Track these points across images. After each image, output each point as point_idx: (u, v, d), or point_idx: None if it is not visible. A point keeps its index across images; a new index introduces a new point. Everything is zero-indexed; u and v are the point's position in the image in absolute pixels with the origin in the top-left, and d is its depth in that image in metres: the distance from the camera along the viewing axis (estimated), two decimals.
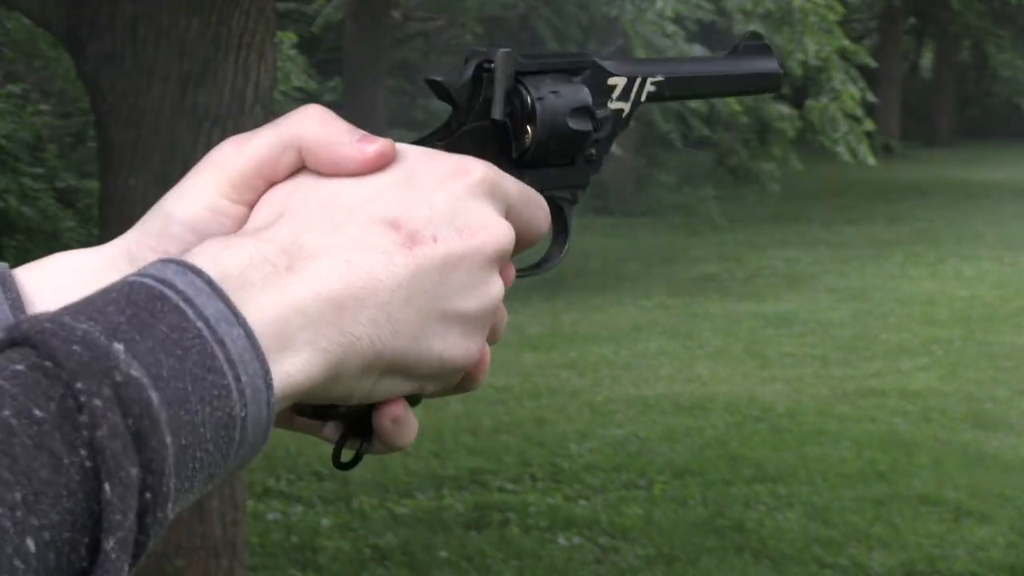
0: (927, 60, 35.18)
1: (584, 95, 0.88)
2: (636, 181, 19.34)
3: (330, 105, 0.81)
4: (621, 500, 6.25)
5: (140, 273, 0.67)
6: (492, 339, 0.80)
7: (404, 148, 0.79)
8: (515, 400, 8.01)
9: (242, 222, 0.77)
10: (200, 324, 0.65)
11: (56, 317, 0.62)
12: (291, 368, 0.68)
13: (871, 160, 13.72)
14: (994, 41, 28.49)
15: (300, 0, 19.40)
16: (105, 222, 4.61)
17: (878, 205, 19.32)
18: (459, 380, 0.79)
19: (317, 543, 5.70)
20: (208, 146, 4.41)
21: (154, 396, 0.61)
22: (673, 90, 0.95)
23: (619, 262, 13.99)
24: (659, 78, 0.94)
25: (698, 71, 1.00)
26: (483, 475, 6.60)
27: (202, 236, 0.76)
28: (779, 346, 9.88)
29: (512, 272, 0.81)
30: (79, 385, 0.60)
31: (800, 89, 15.12)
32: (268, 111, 4.67)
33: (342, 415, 0.78)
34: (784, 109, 14.61)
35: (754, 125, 15.70)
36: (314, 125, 0.78)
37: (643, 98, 0.94)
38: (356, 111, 15.50)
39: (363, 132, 0.78)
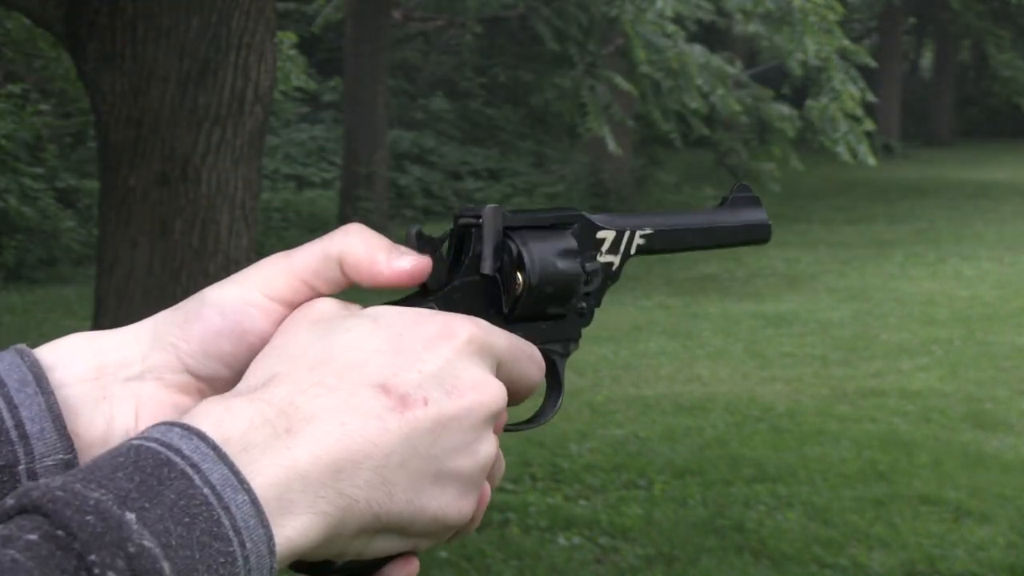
0: (927, 60, 35.18)
1: (571, 242, 0.89)
2: (636, 181, 19.34)
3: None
4: (621, 500, 6.25)
5: (145, 437, 0.68)
6: (491, 484, 0.81)
7: (391, 312, 0.80)
8: None
9: (270, 318, 0.80)
10: (206, 491, 0.66)
11: (67, 484, 0.63)
12: (292, 532, 0.69)
13: (871, 160, 13.72)
14: (994, 41, 28.49)
15: (300, 0, 19.41)
16: (105, 222, 4.61)
17: (878, 205, 19.32)
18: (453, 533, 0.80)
19: None
20: (208, 146, 4.42)
21: (166, 566, 0.62)
22: (663, 243, 0.96)
23: None
24: (648, 231, 0.95)
25: (687, 224, 0.99)
26: None
27: (227, 320, 0.79)
28: (779, 346, 9.88)
29: (499, 432, 0.82)
30: (93, 557, 0.60)
31: (800, 89, 15.12)
32: (268, 111, 4.67)
33: (337, 571, 0.78)
34: (784, 109, 14.61)
35: (754, 125, 15.70)
36: (355, 241, 0.81)
37: (632, 251, 0.94)
38: (356, 111, 15.51)
39: (402, 248, 0.82)
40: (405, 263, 0.81)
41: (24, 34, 12.26)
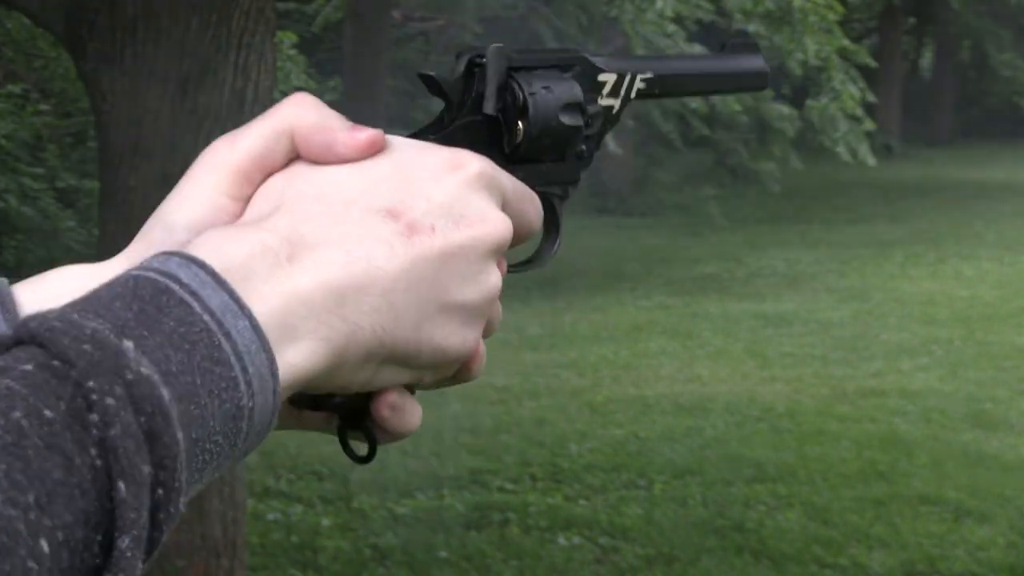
0: (927, 60, 35.18)
1: (576, 91, 0.89)
2: (636, 181, 19.34)
3: (330, 105, 0.82)
4: (621, 500, 6.25)
5: (143, 267, 0.67)
6: (487, 333, 0.80)
7: (399, 140, 0.79)
8: (515, 400, 8.01)
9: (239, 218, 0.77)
10: (206, 317, 0.65)
11: (64, 315, 0.62)
12: (295, 358, 0.69)
13: (871, 160, 13.72)
14: (994, 41, 28.48)
15: (300, 0, 19.40)
16: (105, 222, 4.62)
17: (878, 205, 19.32)
18: (455, 371, 0.79)
19: (317, 543, 5.70)
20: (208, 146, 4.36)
21: (165, 392, 0.61)
22: (663, 87, 0.96)
23: (619, 262, 13.99)
24: (649, 75, 0.95)
25: (687, 68, 1.00)
26: (483, 475, 6.60)
27: None
28: (779, 346, 9.88)
29: (504, 267, 0.81)
30: (91, 384, 0.59)
31: (800, 89, 15.11)
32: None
33: (338, 405, 0.78)
34: (784, 109, 14.61)
35: (754, 125, 15.70)
36: (305, 112, 0.78)
37: (633, 94, 0.94)
38: (356, 111, 15.50)
39: (353, 126, 0.79)
40: (361, 132, 0.78)
41: (24, 34, 12.26)
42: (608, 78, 0.92)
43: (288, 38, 14.82)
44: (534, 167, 0.88)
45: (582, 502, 6.25)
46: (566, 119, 0.88)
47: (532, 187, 0.85)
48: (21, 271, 13.04)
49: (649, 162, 19.74)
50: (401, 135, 0.83)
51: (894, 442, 7.21)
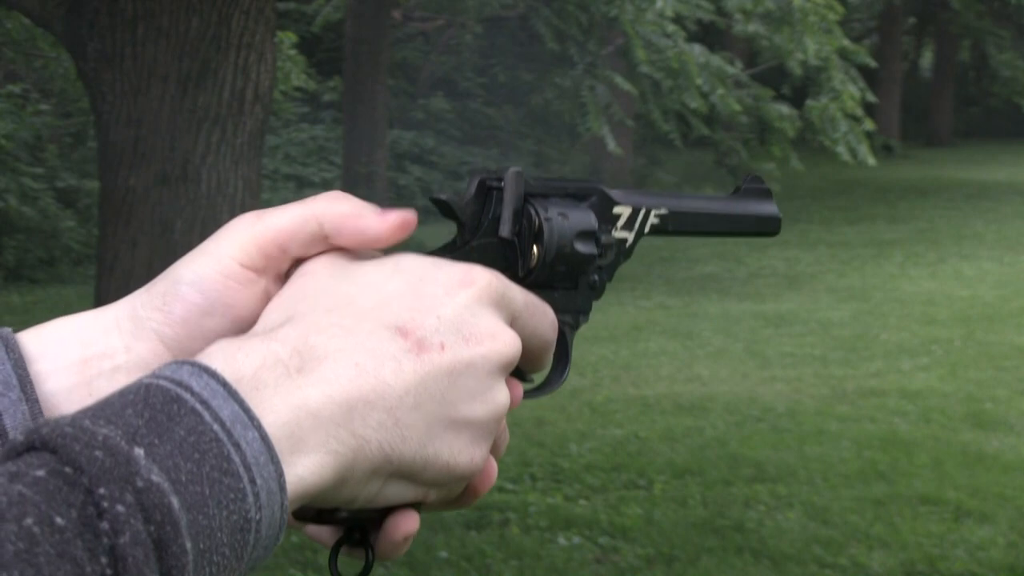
0: (927, 60, 35.17)
1: (591, 220, 0.90)
2: (636, 181, 19.34)
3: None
4: (621, 500, 6.25)
5: (155, 375, 0.68)
6: (494, 453, 0.81)
7: (411, 257, 0.80)
8: None
9: (251, 288, 0.79)
10: (216, 427, 0.65)
11: (76, 421, 0.62)
12: (303, 470, 0.69)
13: (871, 160, 13.72)
14: (994, 41, 28.48)
15: (300, 0, 19.40)
16: (105, 222, 4.61)
17: (878, 205, 19.32)
18: (461, 491, 0.79)
19: (317, 543, 5.70)
20: (208, 146, 4.42)
21: (174, 501, 0.62)
22: (676, 224, 0.96)
23: None
24: (663, 211, 0.95)
25: (702, 208, 1.00)
26: None
27: (208, 297, 0.78)
28: (779, 346, 9.88)
29: (520, 392, 0.82)
30: (101, 491, 0.60)
31: (800, 89, 15.11)
32: (268, 111, 4.67)
33: (343, 520, 0.78)
34: (784, 109, 14.61)
35: (754, 125, 15.70)
36: (337, 203, 0.80)
37: (647, 229, 0.95)
38: (356, 111, 15.50)
39: (385, 210, 0.80)
40: (393, 215, 0.79)
41: (24, 34, 12.26)
42: (623, 211, 0.93)
43: (288, 38, 14.82)
44: (547, 293, 0.88)
45: (582, 502, 6.25)
46: (581, 247, 0.88)
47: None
48: (21, 271, 13.04)
49: (649, 162, 19.74)
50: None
51: (894, 442, 7.21)
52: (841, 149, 13.65)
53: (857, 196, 20.18)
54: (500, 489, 6.43)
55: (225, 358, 0.70)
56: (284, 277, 0.81)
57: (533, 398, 0.90)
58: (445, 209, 0.86)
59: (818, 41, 13.35)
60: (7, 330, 0.78)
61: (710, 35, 20.14)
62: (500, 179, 0.87)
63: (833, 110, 13.62)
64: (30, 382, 0.76)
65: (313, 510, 0.76)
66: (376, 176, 15.52)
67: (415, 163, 18.77)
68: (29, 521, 0.57)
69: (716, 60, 13.87)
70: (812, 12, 13.33)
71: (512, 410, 0.82)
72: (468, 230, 0.87)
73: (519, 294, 0.81)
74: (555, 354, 0.89)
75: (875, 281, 13.03)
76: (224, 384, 0.67)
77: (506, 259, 0.87)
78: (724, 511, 6.08)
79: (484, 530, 5.86)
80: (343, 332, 0.73)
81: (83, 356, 0.79)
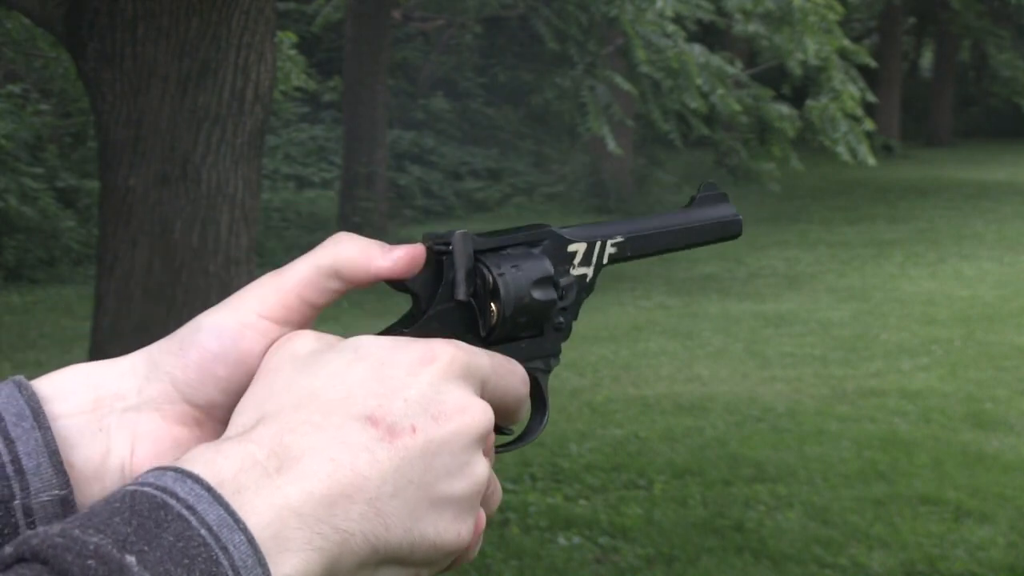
0: (927, 60, 35.18)
1: (545, 265, 0.89)
2: (636, 181, 19.34)
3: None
4: (621, 500, 6.25)
5: (139, 483, 0.68)
6: (488, 510, 0.81)
7: (370, 341, 0.80)
8: None
9: (268, 338, 0.80)
10: (204, 531, 0.66)
11: (65, 531, 0.63)
12: (290, 569, 0.69)
13: (871, 160, 13.72)
14: (994, 41, 28.49)
15: (300, 0, 19.41)
16: (105, 222, 4.61)
17: (878, 205, 19.33)
18: (453, 559, 0.80)
19: None
20: (208, 146, 4.41)
21: None
22: (634, 248, 0.96)
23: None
24: (619, 239, 0.95)
25: (657, 227, 0.99)
26: None
27: (224, 345, 0.79)
28: (779, 346, 9.88)
29: (490, 454, 0.81)
30: None
31: (800, 89, 15.11)
32: (268, 111, 4.67)
33: None
34: (784, 109, 14.61)
35: (754, 125, 15.70)
36: (345, 247, 0.82)
37: (605, 260, 0.94)
38: (356, 111, 15.50)
39: (391, 246, 0.82)
40: (401, 251, 0.82)
41: (24, 34, 12.26)
42: (578, 247, 0.93)
43: (288, 38, 14.81)
44: (513, 346, 0.88)
45: (582, 502, 6.25)
46: (539, 295, 0.88)
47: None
48: (21, 271, 13.05)
49: (649, 162, 19.74)
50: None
51: (894, 442, 7.21)
52: (841, 149, 13.65)
53: (857, 196, 20.19)
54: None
55: (205, 463, 0.70)
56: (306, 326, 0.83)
57: (514, 449, 0.89)
58: (396, 284, 0.85)
59: (818, 41, 13.35)
60: (19, 377, 0.79)
61: (710, 35, 20.14)
62: (448, 243, 0.86)
63: (833, 110, 13.63)
64: (43, 413, 0.77)
65: None
66: (376, 176, 15.52)
67: (415, 163, 18.77)
68: None
69: (716, 60, 13.88)
70: (812, 12, 13.33)
71: None
72: (424, 299, 0.86)
73: (485, 359, 0.81)
74: (532, 402, 0.89)
75: (875, 281, 13.03)
76: (208, 488, 0.68)
77: (466, 321, 0.86)
78: (724, 511, 6.08)
79: (484, 530, 5.86)
80: (313, 428, 0.73)
81: (96, 397, 0.80)
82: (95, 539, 0.62)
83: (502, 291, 0.86)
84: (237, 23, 4.34)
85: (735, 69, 14.45)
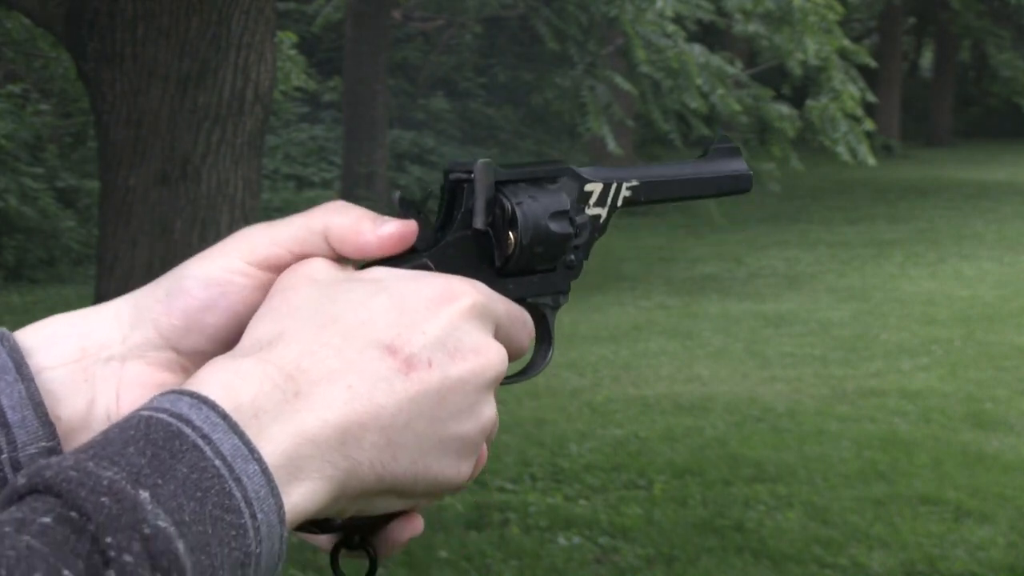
0: (927, 60, 35.17)
1: (563, 200, 0.90)
2: None
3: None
4: (621, 500, 6.25)
5: (155, 408, 0.68)
6: (479, 459, 0.82)
7: (392, 272, 0.80)
8: (515, 400, 8.01)
9: (254, 285, 0.80)
10: (218, 462, 0.66)
11: (79, 463, 0.62)
12: (299, 498, 0.70)
13: (871, 160, 13.72)
14: (994, 41, 28.48)
15: (300, 0, 19.40)
16: (105, 222, 4.61)
17: (878, 205, 19.33)
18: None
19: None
20: (208, 146, 4.42)
21: (180, 546, 0.62)
22: (648, 194, 0.97)
23: (619, 262, 13.99)
24: (634, 183, 0.96)
25: (671, 175, 1.01)
26: (483, 475, 6.60)
27: (211, 292, 0.79)
28: (779, 346, 9.88)
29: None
30: (108, 540, 0.60)
31: (800, 89, 15.11)
32: (268, 111, 4.67)
33: (338, 527, 0.79)
34: (784, 109, 14.61)
35: (754, 125, 15.70)
36: (338, 215, 0.81)
37: (619, 203, 0.96)
38: (356, 111, 15.50)
39: (384, 217, 0.81)
40: (392, 228, 0.81)
41: (24, 34, 12.26)
42: (594, 187, 0.94)
43: (288, 38, 14.81)
44: (526, 279, 0.89)
45: (582, 502, 6.25)
46: (555, 227, 0.89)
47: (523, 299, 0.87)
48: (21, 271, 13.04)
49: (649, 162, 19.72)
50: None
51: (894, 442, 7.21)
52: (841, 149, 13.64)
53: (857, 196, 20.19)
54: (500, 489, 6.43)
55: (222, 386, 0.70)
56: None
57: (516, 382, 0.90)
58: (416, 209, 0.86)
59: (818, 41, 13.35)
60: (1, 329, 0.78)
61: (710, 35, 20.13)
62: (469, 171, 0.87)
63: (833, 110, 13.62)
64: (26, 365, 0.76)
65: (307, 522, 0.77)
66: (376, 176, 15.52)
67: (415, 163, 18.76)
68: None
69: (716, 60, 13.87)
70: (812, 12, 13.33)
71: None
72: (442, 226, 0.87)
73: (501, 304, 0.82)
74: (538, 336, 0.90)
75: (875, 281, 13.03)
76: (224, 416, 0.67)
77: (482, 250, 0.87)
78: (724, 511, 6.08)
79: (484, 530, 5.86)
80: (333, 353, 0.73)
81: (81, 347, 0.79)
82: (109, 473, 0.62)
83: (520, 220, 0.87)
84: (237, 23, 4.34)
85: (735, 69, 14.45)
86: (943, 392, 8.34)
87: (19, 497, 0.61)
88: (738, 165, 1.04)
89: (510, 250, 0.87)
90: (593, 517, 6.00)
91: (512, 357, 0.84)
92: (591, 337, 10.13)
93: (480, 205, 0.87)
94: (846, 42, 13.99)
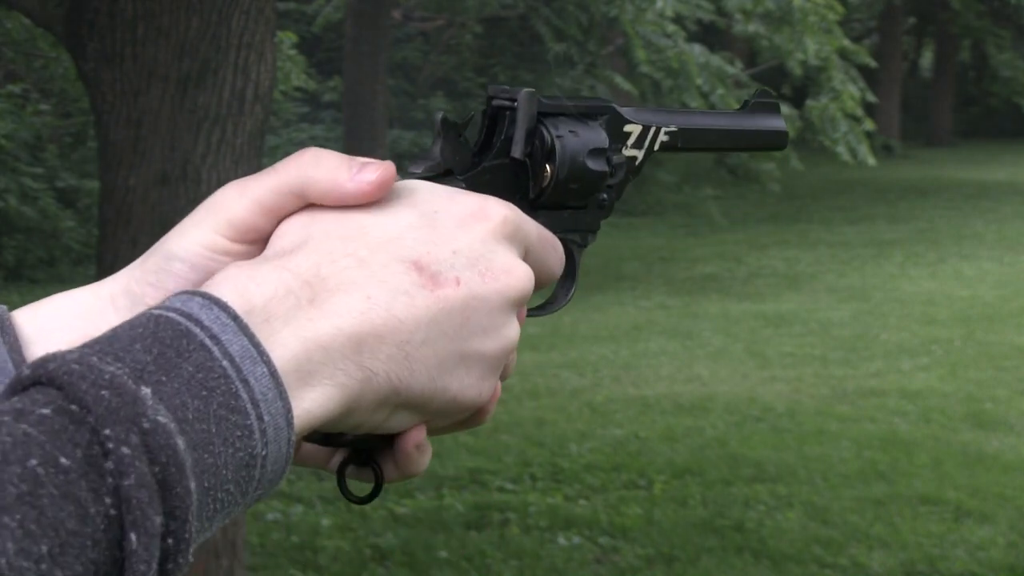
0: (927, 60, 35.17)
1: (602, 137, 0.90)
2: (636, 181, 19.31)
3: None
4: (621, 500, 6.25)
5: (166, 307, 0.67)
6: (502, 377, 0.80)
7: (426, 187, 0.79)
8: (515, 400, 8.01)
9: (244, 258, 0.77)
10: (225, 363, 0.65)
11: (83, 357, 0.62)
12: (309, 404, 0.69)
13: (871, 160, 13.72)
14: (994, 41, 28.48)
15: (300, 0, 19.41)
16: (105, 222, 4.61)
17: (878, 205, 19.32)
18: (467, 417, 0.79)
19: (317, 543, 5.70)
20: (208, 146, 4.41)
21: (180, 442, 0.61)
22: (685, 141, 0.97)
23: (619, 262, 13.99)
24: (672, 128, 0.96)
25: (710, 125, 1.01)
26: (483, 475, 6.60)
27: (201, 273, 0.77)
28: (779, 346, 9.88)
29: (523, 313, 0.82)
30: (107, 432, 0.59)
31: (800, 89, 15.11)
32: (268, 111, 4.67)
33: (348, 442, 0.78)
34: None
35: None
36: (312, 167, 0.77)
37: (656, 147, 0.96)
38: (356, 111, 15.50)
39: (362, 161, 0.77)
40: (370, 175, 0.76)
41: (24, 34, 12.25)
42: (634, 129, 0.94)
43: (288, 38, 14.81)
44: (557, 214, 0.89)
45: (582, 502, 6.25)
46: (592, 164, 0.88)
47: (553, 233, 0.85)
48: (21, 271, 13.04)
49: (649, 162, 19.72)
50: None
51: (894, 442, 7.21)
52: (841, 149, 13.64)
53: (857, 196, 20.19)
54: (500, 489, 6.43)
55: (235, 288, 0.69)
56: None
57: (538, 315, 0.90)
58: (456, 131, 0.86)
59: (818, 41, 13.34)
60: (2, 308, 0.77)
61: (710, 35, 20.14)
62: (513, 99, 0.87)
63: (833, 110, 13.62)
64: (22, 359, 0.76)
65: (319, 434, 0.76)
66: None
67: None
68: (33, 462, 0.57)
69: (716, 60, 13.87)
70: (812, 12, 13.33)
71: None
72: (480, 151, 0.86)
73: (533, 228, 0.81)
74: (563, 272, 0.89)
75: (875, 281, 13.03)
76: (235, 318, 0.67)
77: (517, 180, 0.87)
78: (724, 511, 6.08)
79: (484, 530, 5.86)
80: (356, 263, 0.72)
81: (80, 337, 0.78)
82: (112, 368, 0.61)
83: (558, 154, 0.87)
84: (237, 23, 4.34)
85: (735, 69, 14.45)
86: (943, 392, 8.34)
87: (23, 388, 0.61)
88: (776, 122, 1.04)
89: (545, 183, 0.87)
90: (593, 517, 6.00)
91: (541, 284, 0.83)
92: (591, 337, 10.13)
93: (520, 135, 0.86)
94: (846, 42, 13.99)
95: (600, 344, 9.87)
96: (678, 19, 13.95)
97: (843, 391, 8.42)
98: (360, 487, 0.82)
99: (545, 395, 8.26)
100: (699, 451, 7.05)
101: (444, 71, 21.42)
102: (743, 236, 16.11)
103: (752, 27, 14.06)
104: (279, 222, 0.77)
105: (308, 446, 0.80)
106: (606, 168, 0.89)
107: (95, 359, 0.62)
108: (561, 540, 5.73)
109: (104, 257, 4.60)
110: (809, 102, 14.03)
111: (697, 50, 13.76)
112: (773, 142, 1.04)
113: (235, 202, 0.78)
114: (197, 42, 4.33)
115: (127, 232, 4.48)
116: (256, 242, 0.78)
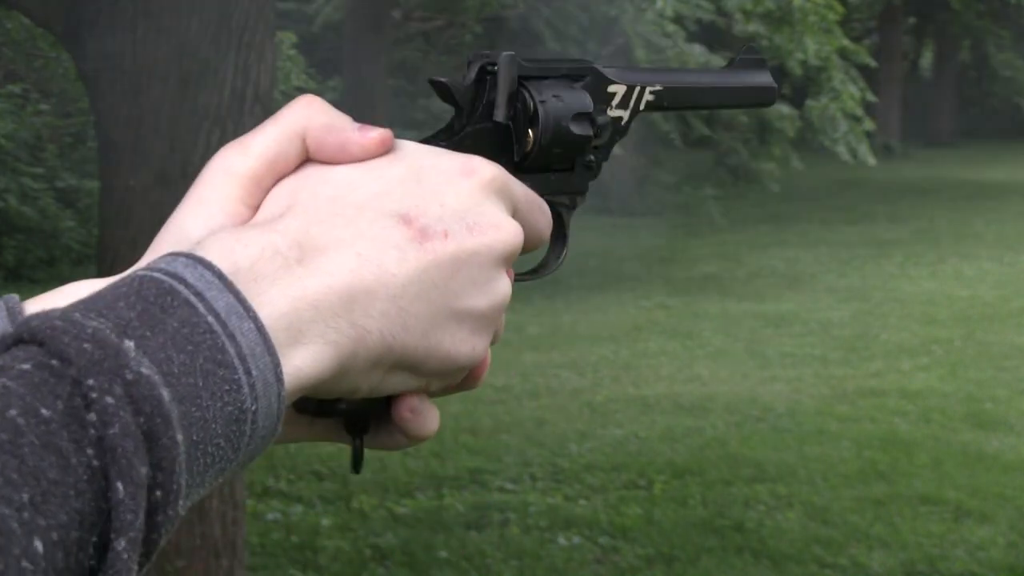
0: (927, 60, 35.17)
1: (586, 100, 0.89)
2: (636, 181, 19.33)
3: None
4: (621, 500, 6.25)
5: (149, 267, 0.67)
6: (492, 340, 0.80)
7: (412, 145, 0.79)
8: (515, 400, 8.01)
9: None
10: (211, 318, 0.64)
11: (66, 314, 0.62)
12: (301, 361, 0.68)
13: (871, 160, 13.72)
14: (994, 41, 28.50)
15: (300, 0, 19.40)
16: (105, 222, 4.61)
17: (878, 205, 19.32)
18: (461, 379, 0.79)
19: (317, 543, 5.70)
20: (208, 146, 4.41)
21: (165, 393, 0.61)
22: (671, 100, 0.96)
23: (619, 262, 13.99)
24: (658, 87, 0.95)
25: (696, 82, 1.00)
26: (483, 475, 6.60)
27: None
28: (779, 346, 9.88)
29: (511, 275, 0.81)
30: (89, 382, 0.59)
31: (800, 89, 15.11)
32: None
33: (343, 412, 0.78)
34: (784, 109, 14.61)
35: (754, 125, 15.70)
36: (315, 113, 0.78)
37: (642, 107, 0.94)
38: (356, 111, 15.47)
39: (364, 127, 0.78)
40: (375, 134, 0.78)
41: (24, 34, 12.26)
42: (618, 89, 0.93)
43: (288, 38, 14.82)
44: (543, 177, 0.88)
45: (582, 502, 6.25)
46: (576, 128, 0.88)
47: (541, 196, 0.85)
48: (21, 271, 13.04)
49: (649, 162, 19.73)
50: (412, 139, 0.82)
51: (894, 442, 7.21)
52: (841, 149, 13.65)
53: (857, 196, 20.18)
54: (500, 489, 6.43)
55: (221, 249, 0.68)
56: None
57: (529, 280, 0.89)
58: (443, 92, 0.86)
59: (818, 41, 13.35)
60: (14, 298, 0.75)
61: (710, 35, 20.14)
62: (494, 63, 0.86)
63: (833, 110, 13.63)
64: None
65: (314, 402, 0.76)
66: None
67: None
68: (13, 412, 0.57)
69: (716, 60, 13.87)
70: (812, 12, 13.33)
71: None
72: (465, 115, 0.86)
73: (519, 188, 0.81)
74: (552, 236, 0.88)
75: (875, 281, 13.03)
76: (220, 275, 0.66)
77: (501, 144, 0.86)
78: (724, 511, 6.08)
79: (484, 530, 5.86)
80: (344, 221, 0.72)
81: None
82: (95, 323, 0.61)
83: (541, 118, 0.86)
84: (237, 23, 4.34)
85: None
86: (943, 392, 8.34)
87: (6, 348, 0.61)
88: (763, 78, 1.03)
89: (529, 147, 0.86)
90: (593, 517, 6.00)
91: (531, 244, 0.83)
92: (591, 337, 10.13)
93: (502, 98, 0.86)
94: (846, 42, 13.99)
95: (600, 344, 9.87)
96: (678, 19, 13.95)
97: (843, 391, 8.42)
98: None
99: (545, 395, 8.26)
100: (699, 451, 7.05)
101: (444, 71, 21.42)
102: (743, 236, 16.11)
103: (752, 27, 14.06)
104: (281, 176, 0.76)
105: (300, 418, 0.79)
106: (590, 132, 0.89)
107: (78, 315, 0.61)
108: (561, 540, 5.73)
109: (104, 257, 4.60)
110: (809, 102, 14.03)
111: (697, 50, 13.76)
112: (761, 98, 1.03)
113: (242, 162, 0.76)
114: (197, 42, 4.33)
115: (127, 232, 4.48)
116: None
